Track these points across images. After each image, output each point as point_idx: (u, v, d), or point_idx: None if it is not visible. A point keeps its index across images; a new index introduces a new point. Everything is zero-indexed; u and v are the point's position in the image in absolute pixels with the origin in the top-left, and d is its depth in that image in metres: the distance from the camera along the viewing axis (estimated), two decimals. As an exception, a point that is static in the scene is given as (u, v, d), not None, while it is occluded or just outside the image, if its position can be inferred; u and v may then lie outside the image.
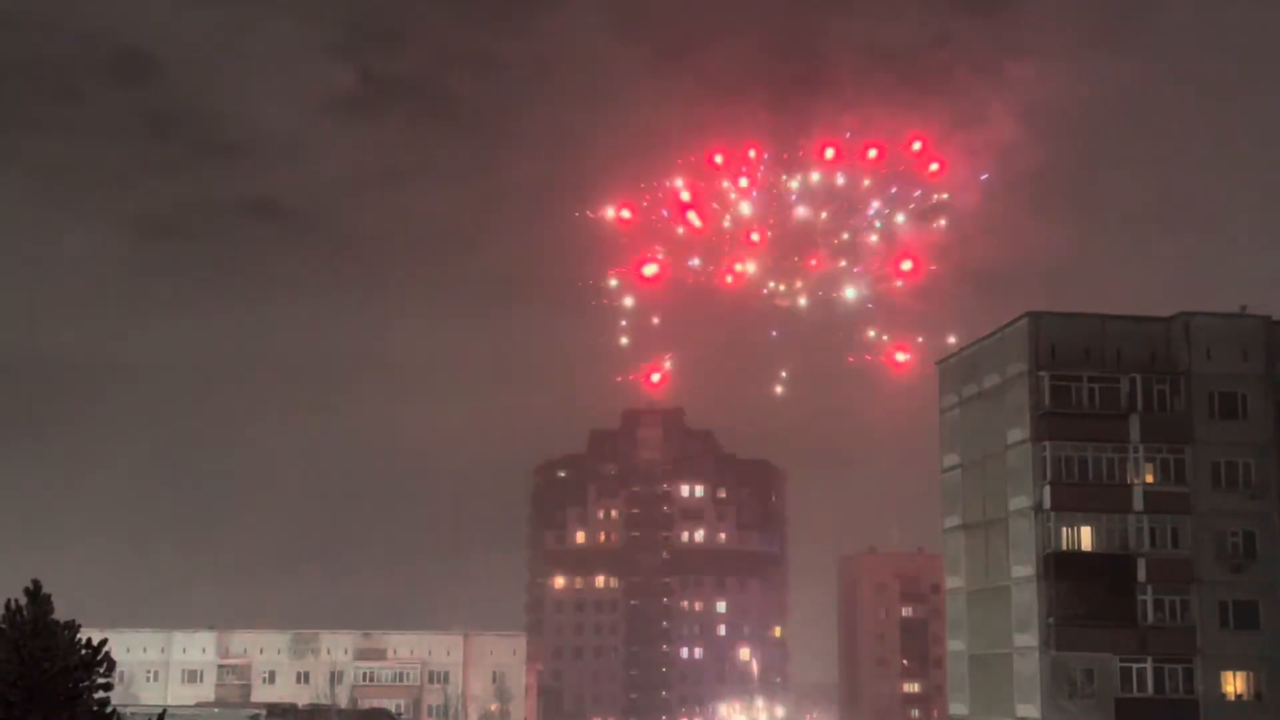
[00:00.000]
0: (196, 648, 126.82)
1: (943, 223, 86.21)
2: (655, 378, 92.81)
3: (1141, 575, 67.34)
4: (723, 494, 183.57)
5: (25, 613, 35.22)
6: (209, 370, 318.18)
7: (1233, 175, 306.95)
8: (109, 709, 35.82)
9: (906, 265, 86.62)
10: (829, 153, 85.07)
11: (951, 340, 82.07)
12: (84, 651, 35.46)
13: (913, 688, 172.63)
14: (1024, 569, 68.71)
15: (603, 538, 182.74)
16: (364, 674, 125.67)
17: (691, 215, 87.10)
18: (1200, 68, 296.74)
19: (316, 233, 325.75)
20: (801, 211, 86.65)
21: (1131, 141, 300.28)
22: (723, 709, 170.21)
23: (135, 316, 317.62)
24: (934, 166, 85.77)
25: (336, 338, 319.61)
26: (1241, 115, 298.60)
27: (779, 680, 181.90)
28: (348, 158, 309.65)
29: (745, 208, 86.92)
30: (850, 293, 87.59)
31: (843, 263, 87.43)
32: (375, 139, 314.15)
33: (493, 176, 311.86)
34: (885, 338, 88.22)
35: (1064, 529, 67.86)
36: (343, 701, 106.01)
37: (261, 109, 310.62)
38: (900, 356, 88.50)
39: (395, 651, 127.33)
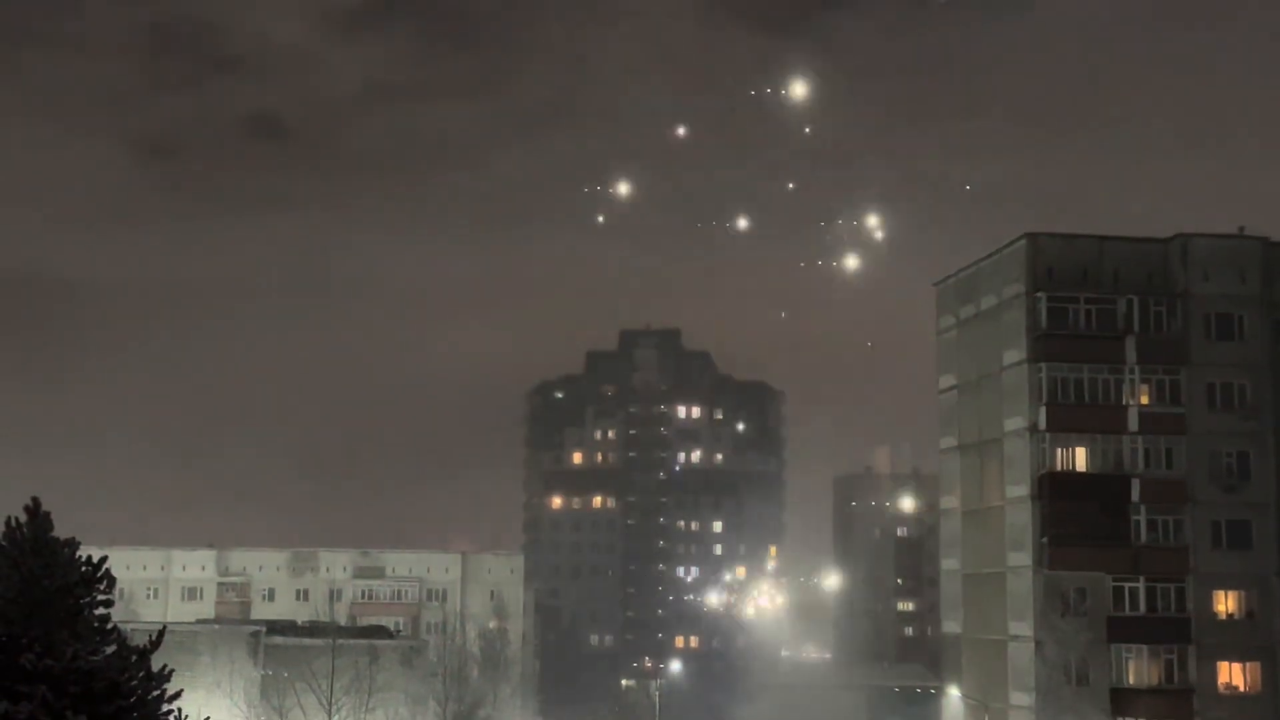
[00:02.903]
0: (196, 565, 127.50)
1: None
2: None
3: (1135, 495, 67.73)
4: (719, 415, 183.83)
5: (25, 530, 35.31)
6: (209, 288, 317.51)
7: (1233, 96, 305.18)
8: (109, 625, 35.99)
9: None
10: None
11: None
12: (84, 569, 35.54)
13: (907, 606, 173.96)
14: (1019, 489, 69.07)
15: (600, 458, 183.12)
16: (362, 592, 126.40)
17: None
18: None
19: (320, 149, 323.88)
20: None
21: (1132, 62, 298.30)
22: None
23: (136, 233, 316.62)
24: None
25: (338, 255, 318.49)
26: (1243, 34, 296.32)
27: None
28: (353, 73, 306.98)
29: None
30: None
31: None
32: (381, 54, 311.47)
33: (499, 93, 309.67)
34: None
35: (1059, 449, 68.18)
36: (341, 619, 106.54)
37: (265, 23, 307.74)
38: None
39: (393, 570, 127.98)
